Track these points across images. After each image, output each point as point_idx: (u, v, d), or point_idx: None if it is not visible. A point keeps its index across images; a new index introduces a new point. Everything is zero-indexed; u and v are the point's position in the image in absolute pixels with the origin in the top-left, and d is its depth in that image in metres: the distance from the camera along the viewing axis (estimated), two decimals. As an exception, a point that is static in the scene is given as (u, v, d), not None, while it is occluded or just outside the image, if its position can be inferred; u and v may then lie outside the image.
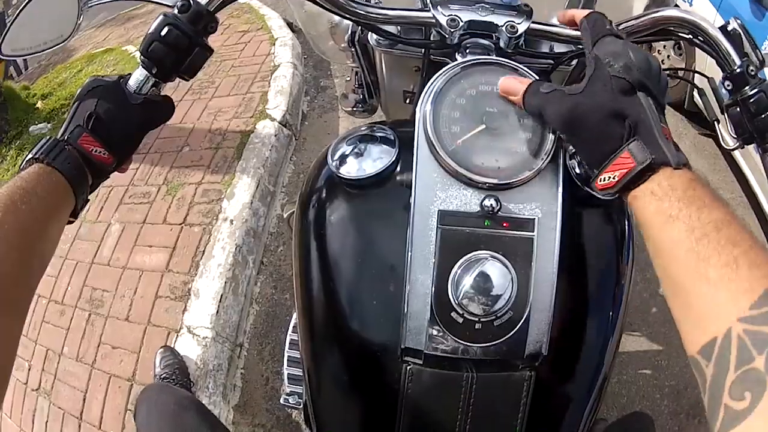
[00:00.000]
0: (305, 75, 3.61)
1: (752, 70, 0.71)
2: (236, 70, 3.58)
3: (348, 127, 3.17)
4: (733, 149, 0.76)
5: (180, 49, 0.67)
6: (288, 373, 1.56)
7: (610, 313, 0.75)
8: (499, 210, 0.62)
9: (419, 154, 0.65)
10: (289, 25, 4.16)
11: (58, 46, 0.80)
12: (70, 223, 0.65)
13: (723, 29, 0.74)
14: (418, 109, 0.67)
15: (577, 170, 0.71)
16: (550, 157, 0.64)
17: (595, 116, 0.56)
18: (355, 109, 1.27)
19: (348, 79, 1.28)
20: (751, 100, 0.70)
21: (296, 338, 1.64)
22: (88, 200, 0.69)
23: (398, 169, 0.74)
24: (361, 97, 1.24)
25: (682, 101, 3.21)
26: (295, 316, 1.67)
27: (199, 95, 3.35)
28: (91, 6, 0.79)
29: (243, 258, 2.34)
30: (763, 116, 0.70)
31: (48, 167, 0.61)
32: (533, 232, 0.63)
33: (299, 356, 1.59)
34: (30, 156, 0.63)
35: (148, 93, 0.70)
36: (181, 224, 2.52)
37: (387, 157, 0.74)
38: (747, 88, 0.70)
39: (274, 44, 3.81)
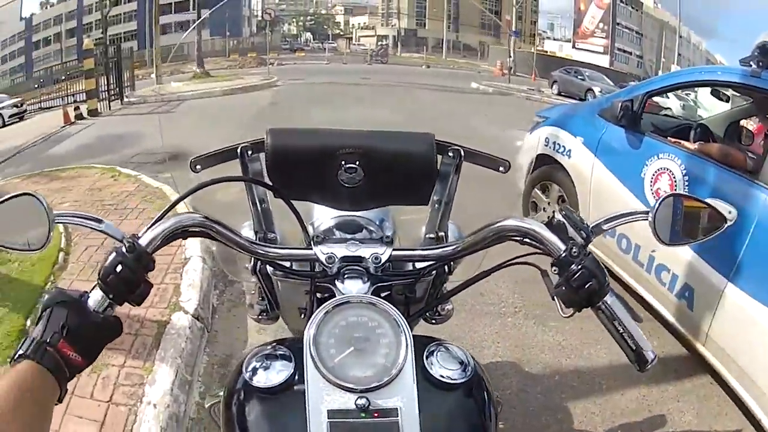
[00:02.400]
0: (214, 269, 3.75)
1: (575, 252, 0.85)
2: (150, 260, 3.73)
3: (256, 324, 3.36)
4: (570, 316, 0.89)
5: (131, 283, 0.84)
6: None
7: None
8: (369, 405, 0.77)
9: (308, 370, 0.81)
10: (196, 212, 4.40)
11: (34, 253, 0.89)
12: (56, 404, 0.78)
13: (549, 224, 0.92)
14: (305, 336, 0.83)
15: (437, 367, 0.90)
16: (404, 362, 0.81)
17: None
18: (260, 317, 1.39)
19: (253, 292, 1.41)
20: (574, 277, 0.84)
21: None
22: (68, 390, 0.80)
23: (296, 378, 0.87)
24: (265, 308, 1.37)
25: None
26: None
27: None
28: (57, 222, 0.88)
29: None
30: (586, 287, 0.84)
31: (38, 365, 0.74)
32: (397, 417, 0.78)
33: None
34: (21, 353, 0.75)
35: (104, 312, 0.84)
36: (108, 402, 2.55)
37: (287, 371, 0.88)
38: (573, 266, 0.85)
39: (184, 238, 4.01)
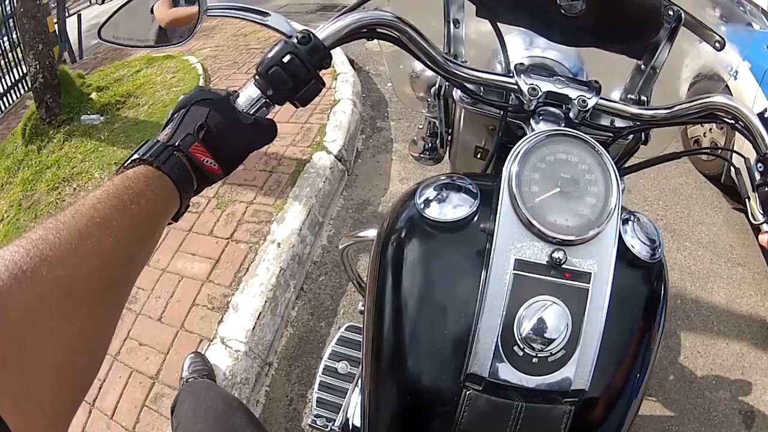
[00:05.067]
0: (363, 114, 3.70)
1: None
2: (297, 98, 3.68)
3: (400, 171, 3.26)
4: (761, 223, 0.81)
5: (298, 78, 0.72)
6: (318, 397, 1.62)
7: (642, 367, 0.81)
8: (564, 262, 0.70)
9: (502, 206, 0.72)
10: (351, 62, 4.29)
11: (178, 45, 0.81)
12: (170, 224, 0.67)
13: (761, 116, 0.81)
14: (504, 168, 0.75)
15: (630, 237, 0.80)
16: (609, 221, 0.72)
17: None
18: (422, 155, 1.33)
19: (420, 126, 1.34)
20: None
21: (331, 365, 1.70)
22: (189, 205, 0.69)
23: (476, 219, 0.79)
24: (431, 145, 1.31)
25: (719, 175, 3.28)
26: (332, 343, 1.74)
27: (260, 116, 3.43)
28: (210, 15, 0.78)
29: (285, 281, 2.39)
30: None
31: (157, 171, 0.62)
32: (589, 283, 0.70)
33: (334, 384, 1.65)
34: (137, 156, 0.63)
35: (257, 113, 0.73)
36: (227, 239, 2.58)
37: (468, 206, 0.80)
38: None
39: (335, 79, 3.93)
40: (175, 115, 0.69)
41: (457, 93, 1.01)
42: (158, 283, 2.46)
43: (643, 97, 1.05)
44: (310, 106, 3.51)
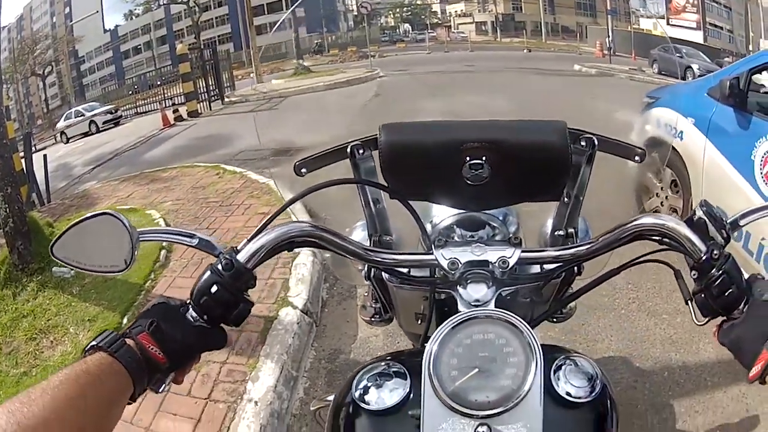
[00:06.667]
0: (324, 262, 3.73)
1: (716, 254, 0.78)
2: (258, 257, 3.83)
3: None
4: (704, 324, 0.83)
5: (227, 305, 0.79)
6: None
7: None
8: None
9: (426, 394, 0.76)
10: (308, 210, 4.48)
11: (117, 274, 0.83)
12: (129, 404, 0.74)
13: (689, 221, 0.84)
14: (424, 356, 0.77)
15: (563, 383, 0.82)
16: (531, 386, 0.74)
17: (751, 333, 0.76)
18: (372, 319, 1.36)
19: (366, 293, 1.39)
20: (715, 284, 0.78)
21: None
22: (146, 389, 0.77)
23: (410, 400, 0.82)
24: (378, 310, 1.34)
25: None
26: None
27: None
28: (142, 240, 0.82)
29: None
30: (726, 295, 0.78)
31: (110, 357, 0.70)
32: None
33: None
34: (94, 344, 0.72)
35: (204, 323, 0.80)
36: (206, 399, 2.60)
37: (401, 389, 0.83)
38: (713, 271, 0.78)
39: (293, 230, 4.10)
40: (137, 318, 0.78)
41: (384, 274, 1.03)
42: (144, 444, 2.41)
43: (570, 230, 1.07)
44: (271, 262, 3.51)
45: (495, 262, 0.87)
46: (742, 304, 0.79)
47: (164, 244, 4.03)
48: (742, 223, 0.87)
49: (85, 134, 15.64)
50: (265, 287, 3.42)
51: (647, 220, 0.85)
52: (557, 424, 0.78)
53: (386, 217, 1.09)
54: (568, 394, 0.82)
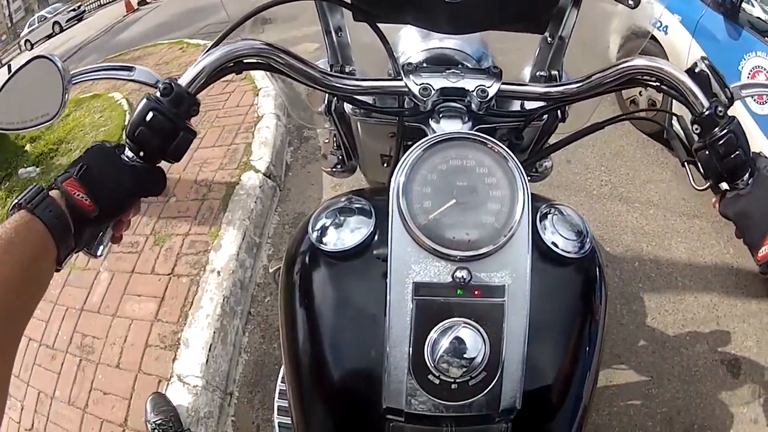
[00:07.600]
0: (288, 126, 3.66)
1: (720, 111, 0.71)
2: (221, 121, 3.65)
3: (332, 179, 3.21)
4: (703, 190, 0.78)
5: (165, 134, 0.69)
6: (278, 422, 1.58)
7: (585, 366, 0.78)
8: (470, 280, 0.64)
9: (393, 230, 0.67)
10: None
11: (46, 124, 0.75)
12: (57, 271, 0.66)
13: (690, 72, 0.75)
14: (391, 184, 0.68)
15: (550, 234, 0.77)
16: (518, 226, 0.66)
17: (759, 208, 0.71)
18: (334, 169, 1.30)
19: (327, 141, 1.31)
20: (720, 142, 0.71)
21: (285, 388, 1.70)
22: (74, 248, 0.68)
23: (375, 240, 0.75)
24: (340, 158, 1.27)
25: (661, 132, 3.23)
26: (283, 368, 1.74)
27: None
28: (75, 83, 0.74)
29: (231, 309, 2.39)
30: (732, 156, 0.71)
31: (29, 215, 0.62)
32: (503, 297, 0.65)
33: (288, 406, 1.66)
34: (15, 202, 0.64)
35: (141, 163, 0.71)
36: (169, 275, 2.57)
37: (365, 228, 0.76)
38: (716, 129, 0.71)
39: (257, 95, 3.89)
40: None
41: (348, 106, 0.96)
42: (111, 329, 2.46)
43: (554, 72, 0.98)
44: (233, 126, 3.56)
45: (473, 91, 0.78)
46: (747, 174, 0.73)
47: (128, 111, 4.11)
48: (743, 93, 0.79)
49: (50, 36, 15.33)
50: (228, 153, 3.34)
51: (644, 62, 0.77)
52: (543, 277, 0.73)
53: (349, 48, 0.99)
54: (554, 244, 0.76)
